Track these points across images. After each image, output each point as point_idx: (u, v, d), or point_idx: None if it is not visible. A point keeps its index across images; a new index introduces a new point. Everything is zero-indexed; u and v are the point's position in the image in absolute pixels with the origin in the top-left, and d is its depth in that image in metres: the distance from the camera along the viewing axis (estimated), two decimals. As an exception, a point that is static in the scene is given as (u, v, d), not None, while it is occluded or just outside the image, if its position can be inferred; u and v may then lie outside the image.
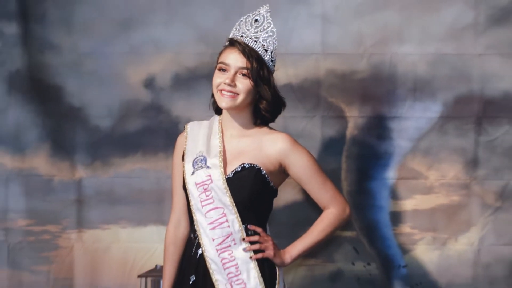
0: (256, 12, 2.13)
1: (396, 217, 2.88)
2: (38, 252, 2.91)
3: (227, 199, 2.06)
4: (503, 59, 2.79)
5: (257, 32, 2.10)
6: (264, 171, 2.07)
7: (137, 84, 2.89)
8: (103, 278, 2.94)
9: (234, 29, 2.14)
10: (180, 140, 2.24)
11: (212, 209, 2.08)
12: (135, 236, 2.93)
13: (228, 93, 2.03)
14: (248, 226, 2.07)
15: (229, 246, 2.08)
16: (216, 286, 2.07)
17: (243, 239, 2.04)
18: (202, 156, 2.12)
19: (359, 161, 2.89)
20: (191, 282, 2.12)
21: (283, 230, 2.65)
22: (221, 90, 2.04)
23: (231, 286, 2.06)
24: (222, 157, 2.10)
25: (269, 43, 2.09)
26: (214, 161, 2.09)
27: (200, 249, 2.10)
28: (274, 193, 2.12)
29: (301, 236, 2.16)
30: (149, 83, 2.89)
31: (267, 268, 2.06)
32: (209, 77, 2.15)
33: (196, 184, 2.08)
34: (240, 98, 2.03)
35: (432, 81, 2.83)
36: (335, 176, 2.85)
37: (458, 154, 2.85)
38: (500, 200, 2.83)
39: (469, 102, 2.82)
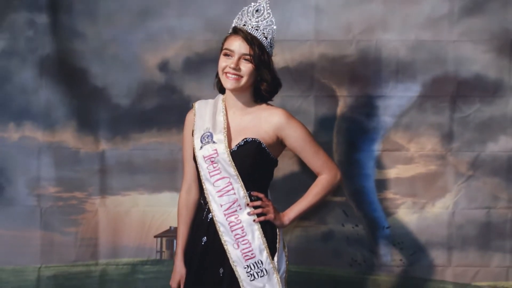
0: (257, 3, 2.17)
1: (381, 184, 2.95)
2: (66, 216, 2.97)
3: (232, 170, 2.11)
4: (474, 45, 2.84)
5: (258, 22, 2.13)
6: (264, 144, 2.12)
7: (153, 67, 2.94)
8: (124, 238, 3.01)
9: (237, 19, 2.18)
10: (189, 116, 2.29)
11: (219, 179, 2.14)
12: (151, 201, 2.99)
13: (233, 76, 2.08)
14: (252, 192, 2.11)
15: (235, 211, 2.14)
16: (225, 246, 2.13)
17: (247, 204, 2.09)
18: (208, 132, 2.17)
19: (348, 135, 2.95)
20: (203, 243, 2.18)
21: (282, 196, 2.67)
22: (226, 73, 2.09)
23: (238, 245, 2.12)
24: (226, 132, 2.15)
25: (269, 31, 2.13)
26: (219, 136, 2.14)
27: (210, 214, 2.16)
28: (274, 163, 2.17)
29: (297, 200, 2.22)
30: (164, 66, 2.94)
31: (269, 230, 2.12)
32: (216, 61, 2.19)
33: (204, 157, 2.14)
34: (244, 80, 2.09)
35: (412, 64, 2.88)
36: (327, 148, 2.84)
37: (435, 129, 2.91)
38: (472, 169, 2.90)
39: (444, 83, 2.88)
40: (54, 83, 2.95)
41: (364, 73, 2.91)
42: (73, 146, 2.98)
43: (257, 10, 2.16)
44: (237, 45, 2.08)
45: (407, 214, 2.95)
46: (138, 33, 2.93)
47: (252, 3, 2.17)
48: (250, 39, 2.09)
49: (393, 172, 2.94)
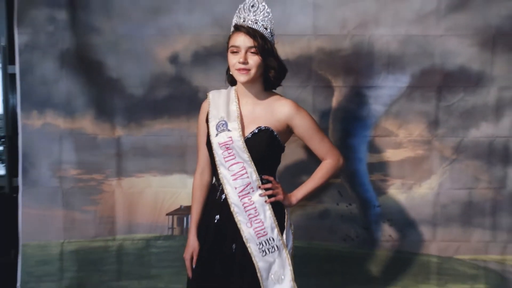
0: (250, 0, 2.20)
1: (372, 167, 3.00)
2: (86, 196, 3.02)
3: (246, 156, 2.14)
4: (459, 39, 2.87)
5: (255, 15, 2.14)
6: (276, 132, 2.16)
7: (163, 60, 2.97)
8: (138, 216, 3.06)
9: (236, 17, 2.18)
10: (204, 106, 2.31)
11: (234, 163, 2.17)
12: (163, 183, 3.03)
13: (243, 70, 2.11)
14: (263, 176, 2.14)
15: (249, 193, 2.17)
16: (238, 225, 2.17)
17: (259, 187, 2.12)
18: (223, 120, 2.20)
19: (342, 122, 2.98)
20: (216, 221, 2.22)
21: (289, 179, 2.80)
22: (237, 69, 2.11)
23: (251, 224, 2.16)
24: (240, 121, 2.18)
25: (267, 22, 2.14)
26: (234, 124, 2.17)
27: (224, 195, 2.20)
28: (282, 149, 2.21)
29: (304, 182, 2.25)
30: (174, 59, 2.97)
31: (278, 209, 2.17)
32: (223, 54, 2.22)
33: (219, 144, 2.17)
34: (253, 71, 2.10)
35: (402, 57, 2.91)
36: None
37: (422, 116, 2.95)
38: (455, 153, 2.94)
39: (431, 74, 2.91)
40: (74, 75, 2.97)
41: (357, 65, 2.94)
42: (91, 132, 3.01)
43: (252, 5, 2.17)
44: (242, 40, 2.10)
45: (396, 194, 2.99)
46: (150, 28, 2.95)
47: (247, 1, 2.18)
48: (252, 32, 2.11)
49: (383, 156, 2.98)
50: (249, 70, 2.10)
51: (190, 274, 2.29)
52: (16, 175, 3.08)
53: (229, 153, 2.17)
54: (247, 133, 2.17)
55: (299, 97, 2.91)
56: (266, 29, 2.13)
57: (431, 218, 3.00)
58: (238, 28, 2.13)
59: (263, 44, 2.10)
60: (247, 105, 2.22)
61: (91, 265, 3.05)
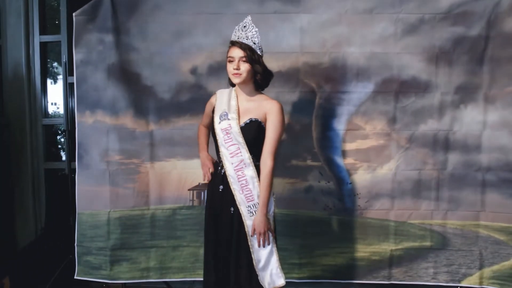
0: (243, 22, 2.42)
1: (345, 153, 3.22)
2: (127, 176, 3.24)
3: (241, 139, 2.38)
4: (412, 56, 3.10)
5: (246, 33, 2.38)
6: (262, 123, 2.40)
7: (186, 72, 3.19)
8: (167, 191, 3.28)
9: (233, 35, 2.41)
10: (212, 99, 2.58)
11: (231, 145, 2.40)
12: (186, 166, 3.24)
13: (236, 74, 2.36)
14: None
15: (242, 168, 2.40)
16: (233, 191, 2.41)
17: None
18: (225, 112, 2.44)
19: (323, 118, 3.20)
20: (220, 190, 2.47)
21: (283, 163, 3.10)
22: (232, 74, 2.37)
23: (242, 191, 2.39)
24: (237, 112, 2.41)
25: (255, 38, 2.38)
26: (233, 115, 2.41)
27: (223, 169, 2.44)
28: None
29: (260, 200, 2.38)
30: (194, 71, 3.19)
31: None
32: None
33: (222, 129, 2.42)
34: (244, 75, 2.36)
35: (368, 69, 3.13)
36: (308, 128, 3.19)
37: (383, 114, 3.16)
38: (408, 143, 3.18)
39: (390, 82, 3.13)
40: (117, 83, 3.18)
41: (334, 75, 3.15)
42: (131, 127, 3.22)
43: (244, 26, 2.40)
44: (235, 52, 2.36)
45: (363, 174, 3.21)
46: (175, 47, 3.17)
47: (240, 23, 2.41)
48: (243, 46, 2.34)
49: (354, 145, 3.20)
50: (241, 74, 2.34)
51: (209, 176, 2.50)
52: (74, 160, 3.29)
53: (228, 137, 2.39)
54: (242, 122, 2.40)
55: (289, 100, 3.16)
56: (254, 43, 2.37)
57: (390, 192, 3.20)
58: (233, 43, 2.39)
59: (251, 55, 2.34)
60: (243, 102, 2.44)
61: (131, 229, 3.25)
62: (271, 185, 2.38)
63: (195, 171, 3.24)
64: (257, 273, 2.40)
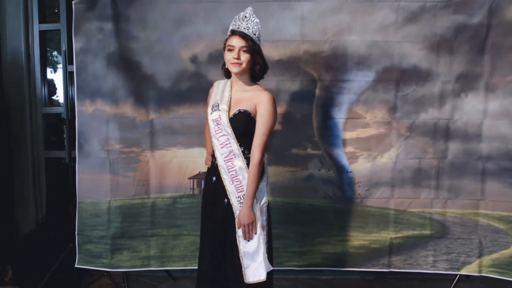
0: (244, 12, 2.39)
1: (346, 142, 3.24)
2: (127, 164, 3.25)
3: (229, 130, 2.37)
4: (412, 45, 3.10)
5: (247, 24, 2.36)
6: (252, 114, 2.38)
7: (186, 60, 3.19)
8: (167, 180, 3.29)
9: (232, 24, 2.39)
10: (211, 90, 2.58)
11: (221, 135, 2.40)
12: (186, 154, 3.26)
13: (236, 64, 2.34)
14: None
15: (231, 158, 2.40)
16: (224, 182, 2.41)
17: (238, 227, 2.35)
18: (217, 103, 2.44)
19: (323, 107, 3.21)
20: (213, 181, 2.48)
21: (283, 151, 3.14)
22: (231, 63, 2.35)
23: (232, 182, 2.39)
24: (228, 104, 2.40)
25: (256, 30, 2.37)
26: (223, 106, 2.41)
27: (216, 161, 2.45)
28: None
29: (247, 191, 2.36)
30: (194, 59, 3.18)
31: None
32: None
33: (213, 120, 2.42)
34: (244, 65, 2.35)
35: (369, 58, 3.13)
36: (308, 117, 3.20)
37: (384, 103, 3.18)
38: (409, 131, 3.19)
39: (391, 71, 3.13)
40: (117, 72, 3.18)
41: (335, 64, 3.16)
42: (131, 115, 3.22)
43: (245, 16, 2.38)
44: (236, 41, 2.33)
45: (363, 163, 3.23)
46: (176, 35, 3.17)
47: (241, 13, 2.39)
48: (244, 36, 2.33)
49: (354, 134, 3.21)
50: (241, 64, 2.34)
51: (209, 164, 2.51)
52: (74, 149, 3.29)
53: (218, 128, 2.40)
54: (231, 113, 2.39)
55: (290, 88, 3.18)
56: (254, 34, 2.37)
57: (390, 180, 3.23)
58: (234, 32, 2.37)
59: (252, 46, 2.34)
60: (237, 92, 2.43)
61: (131, 217, 3.26)
62: (257, 177, 2.36)
63: (195, 160, 3.27)
64: (243, 264, 2.39)
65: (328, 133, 3.26)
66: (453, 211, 3.25)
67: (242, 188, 2.38)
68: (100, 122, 3.25)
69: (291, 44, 3.17)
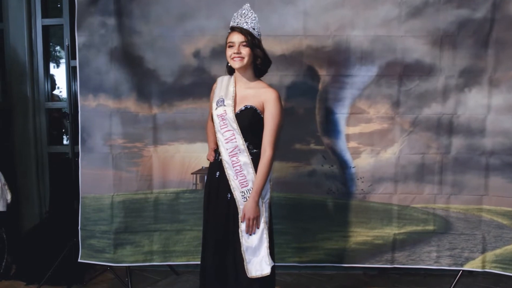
0: (241, 9, 2.44)
1: (349, 137, 3.24)
2: (130, 159, 3.26)
3: (235, 125, 2.40)
4: (416, 39, 3.10)
5: (246, 19, 2.41)
6: (258, 110, 2.41)
7: (189, 55, 3.20)
8: (170, 175, 3.30)
9: (232, 21, 2.44)
10: (214, 86, 2.60)
11: (226, 131, 2.43)
12: (189, 149, 3.27)
13: (238, 58, 2.38)
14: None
15: (236, 153, 2.42)
16: (228, 177, 2.43)
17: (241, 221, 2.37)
18: (222, 98, 2.47)
19: (326, 102, 3.22)
20: (217, 176, 2.50)
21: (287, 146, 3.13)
22: (233, 58, 2.38)
23: (237, 177, 2.41)
24: (234, 99, 2.43)
25: (254, 24, 2.41)
26: (229, 101, 2.43)
27: (220, 156, 2.48)
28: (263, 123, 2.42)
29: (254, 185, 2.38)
30: (196, 54, 3.20)
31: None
32: None
33: (218, 115, 2.45)
34: (245, 59, 2.38)
35: (372, 52, 3.14)
36: (311, 112, 3.21)
37: (387, 98, 3.18)
38: (412, 126, 3.19)
39: (394, 66, 3.13)
40: (120, 67, 3.19)
41: (338, 59, 3.16)
42: (134, 110, 3.23)
43: (243, 13, 2.43)
44: (236, 37, 2.38)
45: (366, 158, 3.24)
46: (178, 30, 3.18)
47: (239, 10, 2.44)
48: (243, 31, 2.38)
49: (357, 129, 3.22)
50: (242, 58, 2.37)
51: (212, 159, 2.53)
52: (77, 144, 3.30)
53: (223, 123, 2.43)
54: (237, 109, 2.42)
55: (292, 83, 3.18)
56: (254, 29, 2.41)
57: (393, 176, 3.23)
58: (233, 29, 2.42)
59: (252, 40, 2.38)
60: (241, 88, 2.46)
61: (134, 212, 3.27)
62: (268, 173, 2.39)
63: (198, 155, 3.28)
64: (245, 258, 2.40)
65: (331, 128, 3.26)
66: (457, 206, 3.25)
67: (246, 183, 2.40)
68: (103, 117, 3.26)
69: (293, 39, 3.18)
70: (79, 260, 3.37)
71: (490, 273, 3.28)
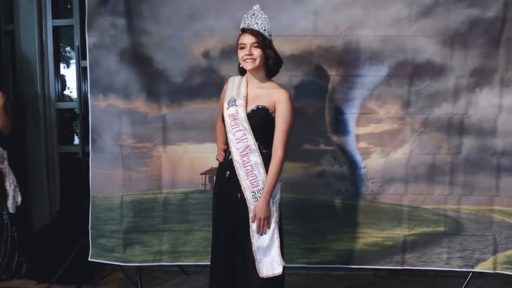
0: (252, 10, 2.44)
1: (359, 137, 3.23)
2: (139, 159, 3.27)
3: (247, 125, 2.40)
4: (426, 39, 3.09)
5: (256, 20, 2.41)
6: (270, 110, 2.42)
7: (198, 55, 3.21)
8: (179, 175, 3.31)
9: (242, 23, 2.44)
10: (225, 86, 2.60)
11: (238, 130, 2.43)
12: (198, 150, 3.28)
13: (250, 60, 2.39)
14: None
15: (247, 153, 2.42)
16: (239, 177, 2.43)
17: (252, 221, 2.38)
18: (233, 98, 2.47)
19: (336, 102, 3.21)
20: (227, 175, 2.50)
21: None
22: (245, 60, 2.40)
23: (247, 177, 2.41)
24: (245, 99, 2.43)
25: (265, 24, 2.41)
26: (240, 101, 2.44)
27: (230, 155, 2.47)
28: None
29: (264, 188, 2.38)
30: (206, 54, 3.21)
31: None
32: None
33: (229, 115, 2.45)
34: (257, 61, 2.38)
35: (382, 52, 3.13)
36: (321, 112, 3.20)
37: (397, 98, 3.16)
38: (423, 127, 3.17)
39: (405, 66, 3.12)
40: (130, 67, 3.20)
41: (347, 59, 3.15)
42: (143, 111, 3.24)
43: (253, 14, 2.43)
44: (247, 39, 2.39)
45: (377, 159, 3.22)
46: (188, 31, 3.18)
47: (249, 11, 2.44)
48: (254, 32, 2.38)
49: (367, 129, 3.21)
50: (254, 59, 2.38)
51: (221, 159, 2.54)
52: (87, 144, 3.32)
53: (235, 123, 2.43)
54: (249, 109, 2.43)
55: (302, 83, 3.18)
56: (264, 30, 2.41)
57: (404, 176, 3.21)
58: (244, 30, 2.43)
59: (263, 40, 2.39)
60: (253, 89, 2.47)
61: (143, 212, 3.29)
62: (279, 173, 2.40)
63: (207, 155, 3.28)
64: (256, 258, 2.41)
65: (341, 129, 3.25)
66: (468, 207, 3.23)
67: (257, 183, 2.40)
68: (112, 117, 3.28)
69: (303, 39, 3.17)
70: (89, 259, 3.39)
71: (501, 274, 3.25)
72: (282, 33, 3.05)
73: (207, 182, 3.33)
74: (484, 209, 3.22)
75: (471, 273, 3.27)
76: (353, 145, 3.27)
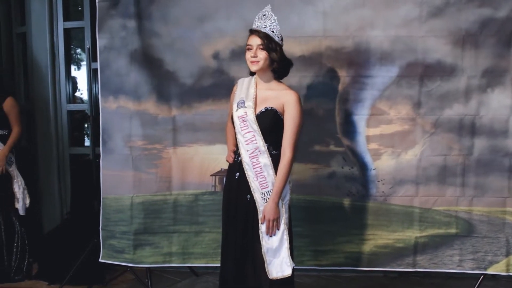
0: (263, 10, 2.44)
1: (369, 138, 3.22)
2: (150, 161, 3.28)
3: (256, 127, 2.41)
4: (437, 39, 3.07)
5: (265, 22, 2.41)
6: (279, 112, 2.42)
7: (208, 57, 3.21)
8: (189, 177, 3.31)
9: (253, 24, 2.44)
10: (234, 88, 2.60)
11: (247, 132, 2.44)
12: (208, 151, 3.28)
13: (254, 61, 2.40)
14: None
15: (257, 155, 2.43)
16: (248, 179, 2.44)
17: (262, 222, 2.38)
18: (242, 100, 2.48)
19: (346, 103, 3.20)
20: (236, 177, 2.50)
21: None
22: (250, 61, 2.41)
23: (257, 179, 2.42)
24: (254, 101, 2.45)
25: (274, 27, 2.41)
26: (249, 103, 2.45)
27: (240, 157, 2.48)
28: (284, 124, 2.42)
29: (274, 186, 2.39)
30: (216, 56, 3.21)
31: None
32: None
33: (238, 117, 2.46)
34: (261, 63, 2.39)
35: (392, 53, 3.11)
36: (331, 113, 3.19)
37: (408, 99, 3.14)
38: (434, 128, 3.16)
39: (415, 66, 3.11)
40: (140, 69, 3.22)
41: (358, 59, 3.14)
42: (153, 112, 3.25)
43: (264, 15, 2.44)
44: (254, 40, 2.40)
45: (387, 160, 3.21)
46: (197, 32, 3.19)
47: (260, 12, 2.44)
48: (260, 34, 2.39)
49: (378, 130, 3.20)
50: (258, 61, 2.38)
51: (231, 160, 2.54)
52: (98, 145, 3.34)
53: (244, 124, 2.44)
54: (258, 110, 2.44)
55: (312, 84, 3.17)
56: (272, 32, 2.41)
57: (415, 178, 3.19)
58: (252, 31, 2.44)
59: (268, 43, 2.38)
60: (261, 90, 2.48)
61: (153, 214, 3.30)
62: (287, 175, 2.40)
63: (217, 157, 3.28)
64: (265, 260, 2.41)
65: (351, 130, 3.24)
66: (480, 209, 3.20)
67: (266, 185, 2.41)
68: (123, 119, 3.29)
69: (313, 40, 3.16)
70: (100, 260, 3.40)
71: (514, 276, 3.20)
72: (292, 34, 3.04)
73: (217, 184, 3.33)
74: (496, 211, 3.19)
75: (482, 276, 3.24)
76: (364, 146, 3.25)
